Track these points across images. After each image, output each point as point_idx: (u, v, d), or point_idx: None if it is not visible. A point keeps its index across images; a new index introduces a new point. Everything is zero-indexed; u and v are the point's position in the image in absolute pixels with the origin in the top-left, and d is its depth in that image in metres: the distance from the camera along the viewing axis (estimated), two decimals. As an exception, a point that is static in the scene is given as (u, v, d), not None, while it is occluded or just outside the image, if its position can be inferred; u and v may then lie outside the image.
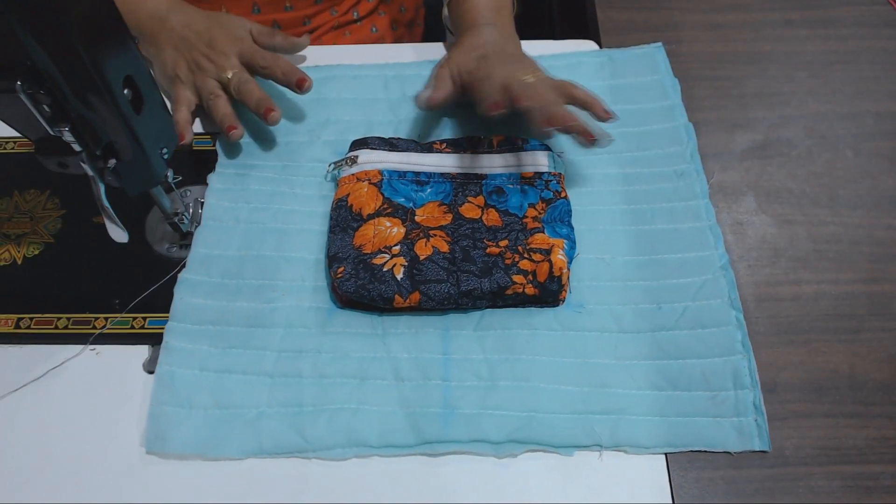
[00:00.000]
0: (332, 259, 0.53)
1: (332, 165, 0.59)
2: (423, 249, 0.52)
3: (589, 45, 0.70)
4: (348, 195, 0.56)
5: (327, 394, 0.48)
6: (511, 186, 0.57)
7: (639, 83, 0.66)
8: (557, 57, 0.68)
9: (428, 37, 0.92)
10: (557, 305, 0.52)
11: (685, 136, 0.61)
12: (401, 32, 0.85)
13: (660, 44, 0.69)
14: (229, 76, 0.61)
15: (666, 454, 0.46)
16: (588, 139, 0.53)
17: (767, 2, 0.75)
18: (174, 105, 0.62)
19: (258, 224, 0.57)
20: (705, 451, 0.46)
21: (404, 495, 0.45)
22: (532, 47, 0.64)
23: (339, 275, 0.51)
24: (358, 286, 0.50)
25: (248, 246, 0.55)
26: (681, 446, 0.46)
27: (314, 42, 0.78)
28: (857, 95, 0.66)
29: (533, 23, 1.01)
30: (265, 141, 0.62)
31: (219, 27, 0.63)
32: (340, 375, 0.49)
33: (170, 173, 0.51)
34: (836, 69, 0.68)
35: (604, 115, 0.56)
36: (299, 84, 0.61)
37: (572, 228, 0.54)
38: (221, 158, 0.61)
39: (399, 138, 0.60)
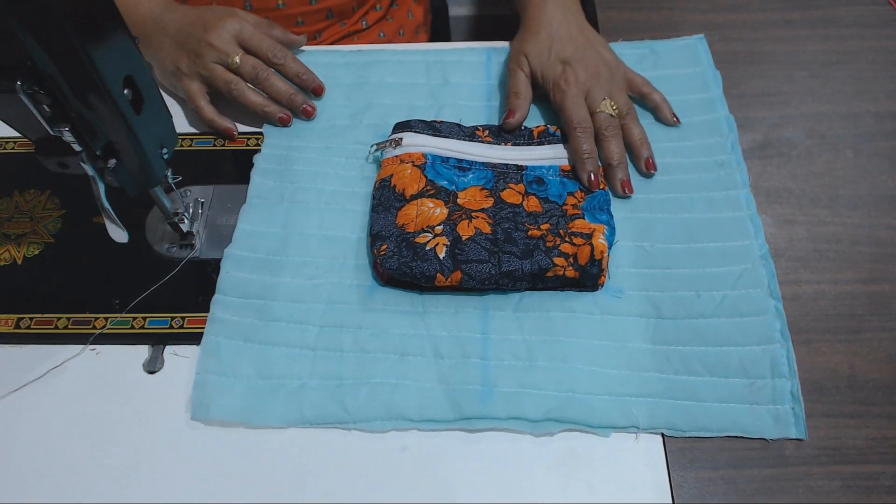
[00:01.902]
0: (374, 237, 0.53)
1: (374, 147, 0.60)
2: (465, 230, 0.53)
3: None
4: (391, 175, 0.57)
5: (367, 368, 0.49)
6: (551, 178, 0.58)
7: (680, 74, 0.66)
8: None
9: (434, 41, 0.92)
10: (596, 290, 0.52)
11: (726, 127, 0.62)
12: (408, 37, 0.85)
13: (702, 35, 0.69)
14: (237, 61, 0.61)
15: (666, 454, 0.46)
16: (648, 168, 0.58)
17: (767, 2, 0.75)
18: (192, 103, 0.62)
19: (302, 203, 0.58)
20: (705, 440, 0.46)
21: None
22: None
23: (382, 252, 0.52)
24: (401, 263, 0.51)
25: (291, 224, 0.57)
26: (717, 431, 0.47)
27: None
28: (857, 95, 0.66)
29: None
30: (309, 124, 0.64)
31: (211, 12, 0.63)
32: (381, 351, 0.50)
33: (170, 173, 0.51)
34: (836, 69, 0.68)
35: (672, 120, 0.62)
36: (316, 92, 0.64)
37: (611, 216, 0.55)
38: (267, 140, 0.62)
39: (441, 121, 0.61)
